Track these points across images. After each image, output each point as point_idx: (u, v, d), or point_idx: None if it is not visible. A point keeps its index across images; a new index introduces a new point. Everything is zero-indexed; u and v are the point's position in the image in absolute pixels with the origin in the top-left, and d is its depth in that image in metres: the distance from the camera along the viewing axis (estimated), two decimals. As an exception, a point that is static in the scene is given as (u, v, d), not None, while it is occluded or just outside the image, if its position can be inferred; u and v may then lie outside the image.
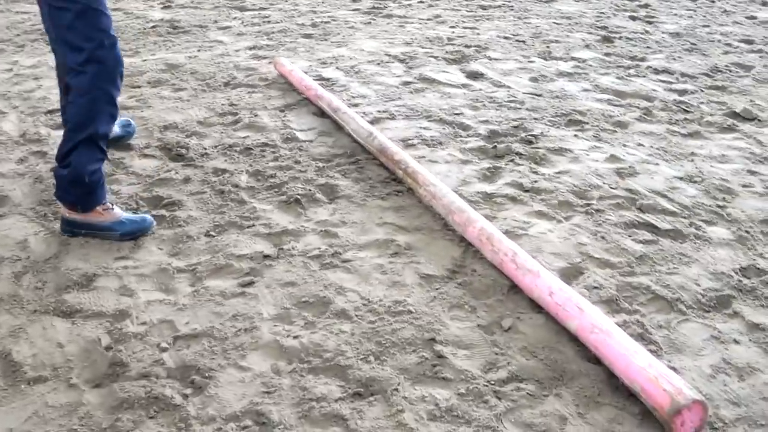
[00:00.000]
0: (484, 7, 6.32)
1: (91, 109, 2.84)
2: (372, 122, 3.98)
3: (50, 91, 4.40)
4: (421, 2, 6.47)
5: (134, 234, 2.98)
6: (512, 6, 6.36)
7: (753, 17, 6.17)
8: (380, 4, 6.40)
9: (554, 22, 5.94)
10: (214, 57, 5.06)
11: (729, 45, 5.48)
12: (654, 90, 4.63)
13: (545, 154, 3.78)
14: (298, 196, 3.32)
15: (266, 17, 6.01)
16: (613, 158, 3.73)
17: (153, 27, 5.65)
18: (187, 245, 2.96)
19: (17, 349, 2.36)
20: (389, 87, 4.65)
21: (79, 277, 2.73)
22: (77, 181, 2.90)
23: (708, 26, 5.90)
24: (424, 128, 4.06)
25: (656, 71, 4.96)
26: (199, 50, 5.20)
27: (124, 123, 3.81)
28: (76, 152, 2.87)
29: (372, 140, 3.70)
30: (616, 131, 4.06)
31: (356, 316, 2.56)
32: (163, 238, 3.00)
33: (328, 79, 4.71)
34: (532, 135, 3.97)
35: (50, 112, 4.06)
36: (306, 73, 4.70)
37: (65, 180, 2.91)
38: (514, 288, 2.70)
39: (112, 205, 3.02)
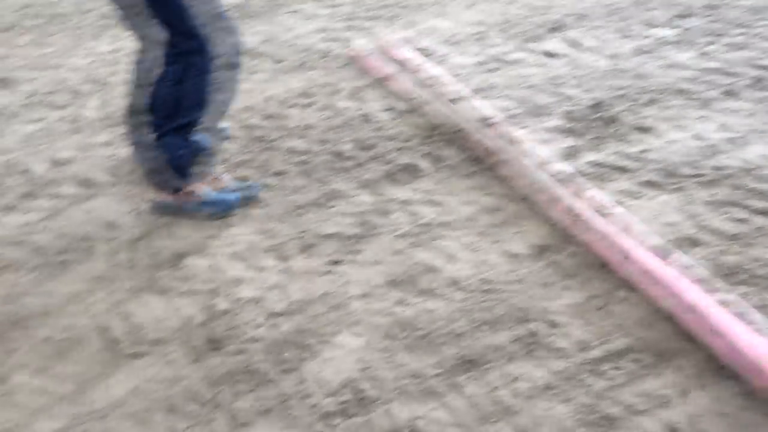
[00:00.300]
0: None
1: (194, 94, 2.87)
2: (459, 98, 3.95)
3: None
4: (490, -18, 6.40)
5: (221, 213, 3.01)
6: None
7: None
8: (450, -16, 6.35)
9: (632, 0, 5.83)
10: (288, 39, 5.07)
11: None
12: (729, 61, 4.52)
13: (627, 132, 3.72)
14: (381, 176, 3.32)
15: None
16: (702, 134, 3.65)
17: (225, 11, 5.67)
18: (272, 224, 2.98)
19: (116, 324, 2.41)
20: (464, 66, 4.61)
21: (171, 255, 2.77)
22: (167, 164, 2.93)
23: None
24: (506, 106, 4.02)
25: (737, 47, 4.84)
26: (272, 32, 5.22)
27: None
28: (170, 136, 2.90)
29: (453, 118, 3.68)
30: (706, 106, 3.97)
31: (447, 294, 2.55)
32: (250, 216, 3.03)
33: (421, 49, 4.67)
34: (614, 113, 3.91)
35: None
36: (382, 52, 4.69)
37: (153, 163, 2.94)
38: (605, 267, 2.66)
39: (200, 184, 3.05)
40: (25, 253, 2.81)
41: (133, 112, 3.23)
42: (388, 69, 4.33)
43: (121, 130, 3.70)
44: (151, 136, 2.93)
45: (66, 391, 2.13)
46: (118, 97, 4.16)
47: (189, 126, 2.91)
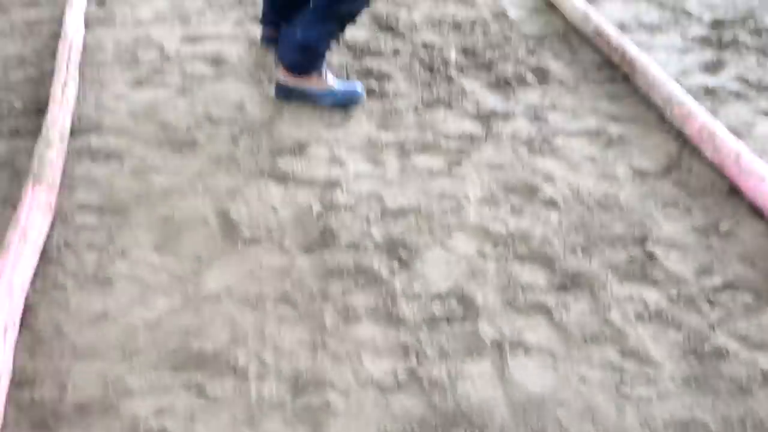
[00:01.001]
0: None
1: None
2: (587, 1, 3.80)
3: None
4: None
5: (345, 103, 3.00)
6: None
7: None
8: None
9: None
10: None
11: None
12: None
13: (775, 46, 3.50)
14: (508, 76, 3.24)
15: None
16: None
17: None
18: (395, 119, 2.96)
19: (235, 208, 2.46)
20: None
21: (293, 143, 2.79)
22: (305, 48, 2.93)
23: None
24: (643, 11, 3.83)
25: None
26: None
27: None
28: (319, 24, 2.89)
29: (587, 22, 3.54)
30: None
31: (565, 205, 2.50)
32: (372, 109, 3.01)
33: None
34: (762, 25, 3.68)
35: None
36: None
37: (293, 43, 2.94)
38: (735, 191, 2.55)
39: (326, 73, 3.04)
40: (153, 129, 2.88)
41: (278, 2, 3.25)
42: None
43: (255, 11, 3.71)
44: (303, 18, 2.92)
45: (182, 270, 2.20)
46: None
47: (344, 16, 2.92)
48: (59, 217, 2.40)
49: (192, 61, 3.36)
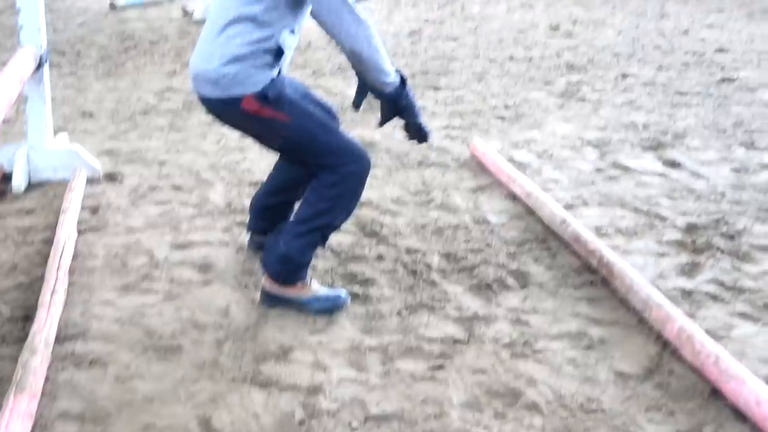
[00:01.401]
0: (681, 93, 6.16)
1: (336, 202, 2.98)
2: (565, 208, 3.94)
3: (255, 163, 4.61)
4: (615, 86, 6.38)
5: (330, 309, 3.05)
6: (711, 93, 6.17)
7: None
8: (574, 87, 6.37)
9: (757, 111, 5.71)
10: (408, 136, 5.17)
11: None
12: None
13: (749, 250, 3.61)
14: (490, 281, 3.31)
15: (460, 97, 6.11)
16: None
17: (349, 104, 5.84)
18: (379, 323, 3.00)
19: (217, 415, 2.45)
20: (582, 172, 4.60)
21: (276, 348, 2.81)
22: (288, 259, 3.02)
23: None
24: (619, 217, 3.97)
25: None
26: (393, 128, 5.33)
27: None
28: (302, 236, 3.01)
29: (565, 227, 3.65)
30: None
31: (548, 409, 2.50)
32: (356, 314, 3.06)
33: (520, 163, 4.71)
34: (734, 229, 3.81)
35: (255, 183, 4.24)
36: (499, 154, 4.72)
37: (276, 254, 3.03)
38: (716, 393, 2.56)
39: (310, 279, 3.11)
40: (139, 335, 2.91)
41: (267, 206, 3.39)
42: (505, 172, 4.35)
43: (243, 218, 3.83)
44: (286, 229, 3.05)
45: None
46: (244, 184, 4.31)
47: (325, 228, 3.05)
48: (39, 426, 2.38)
49: (180, 267, 3.43)
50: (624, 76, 6.71)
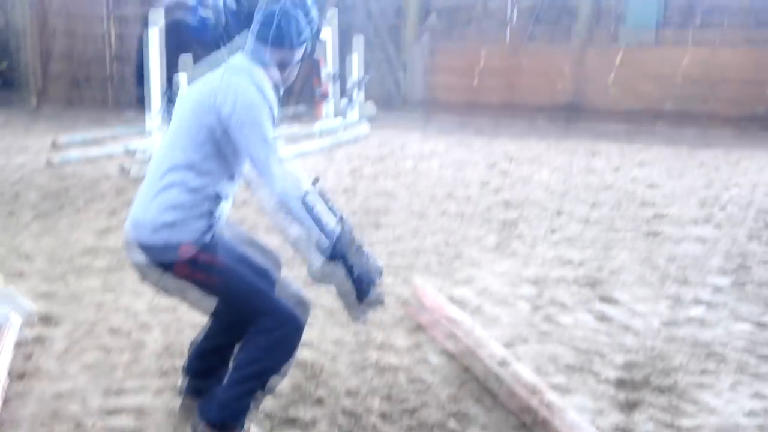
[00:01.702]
0: (615, 230, 6.33)
1: (274, 350, 3.00)
2: (505, 346, 3.96)
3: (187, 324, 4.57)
4: (551, 224, 6.54)
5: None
6: (643, 229, 6.35)
7: None
8: (511, 225, 6.50)
9: (688, 247, 5.88)
10: (349, 275, 5.20)
11: None
12: (799, 322, 4.47)
13: (687, 387, 3.65)
14: (431, 423, 3.29)
15: (400, 236, 6.19)
16: (760, 398, 3.57)
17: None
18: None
19: None
20: (521, 310, 4.65)
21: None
22: (225, 406, 2.99)
23: None
24: (558, 354, 4.01)
25: (799, 301, 4.80)
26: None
27: None
28: (241, 383, 2.99)
29: (506, 367, 3.67)
30: (761, 369, 3.90)
31: None
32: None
33: (460, 301, 4.75)
34: (671, 366, 3.86)
35: (194, 326, 4.19)
36: (439, 293, 4.76)
37: (214, 401, 3.00)
38: None
39: (249, 425, 3.06)
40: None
41: (206, 349, 3.36)
42: (445, 311, 4.38)
43: (181, 361, 3.77)
44: (226, 376, 3.03)
45: None
46: (183, 327, 4.27)
47: (263, 375, 3.04)
48: None
49: (115, 416, 3.35)
50: (559, 213, 6.88)
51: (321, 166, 9.77)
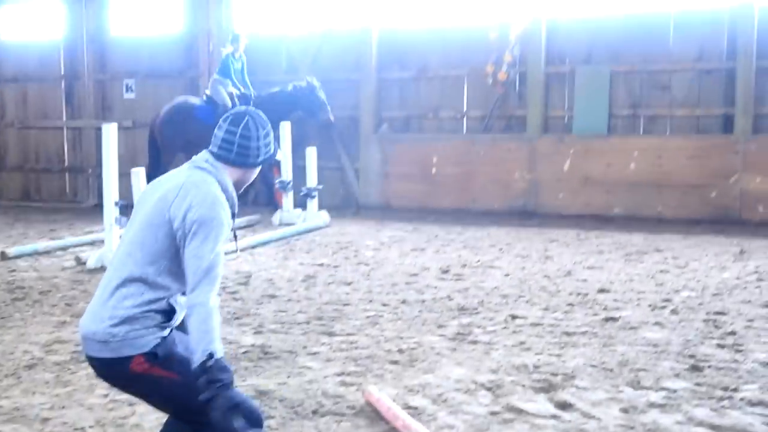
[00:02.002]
0: (568, 334, 6.36)
1: None
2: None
3: (145, 418, 4.47)
4: (505, 328, 6.56)
5: None
6: (596, 333, 6.39)
7: None
8: (465, 330, 6.51)
9: (641, 350, 5.92)
10: (302, 383, 5.14)
11: (826, 375, 5.34)
12: (751, 424, 4.49)
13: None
14: None
15: (354, 342, 6.15)
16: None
17: (244, 353, 5.83)
18: None
19: None
20: (477, 416, 4.62)
21: None
22: None
23: (800, 355, 5.80)
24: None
25: (751, 403, 4.83)
26: (288, 376, 5.30)
27: None
28: None
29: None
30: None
31: None
32: None
33: (415, 408, 4.71)
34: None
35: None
36: (393, 400, 4.72)
37: None
38: None
39: None
40: None
41: None
42: (400, 418, 4.33)
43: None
44: None
45: None
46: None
47: None
48: None
49: None
50: (513, 317, 6.91)
51: (280, 256, 9.77)
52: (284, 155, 12.59)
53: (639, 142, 12.92)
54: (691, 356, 5.77)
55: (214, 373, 2.86)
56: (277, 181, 12.84)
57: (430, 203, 13.84)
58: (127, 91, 16.24)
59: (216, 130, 3.27)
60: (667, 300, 7.48)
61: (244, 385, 5.06)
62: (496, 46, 13.43)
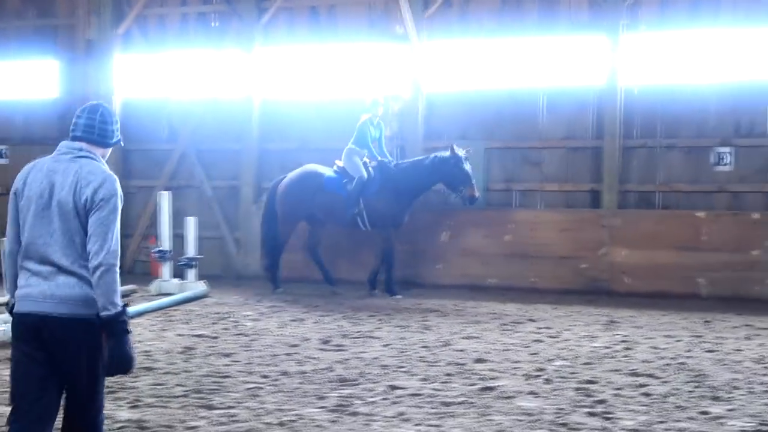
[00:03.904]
0: (446, 404, 6.48)
1: None
2: None
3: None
4: (385, 399, 6.62)
5: None
6: (473, 402, 6.53)
7: (706, 412, 6.37)
8: (346, 401, 6.54)
9: (516, 419, 6.08)
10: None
11: (687, 441, 5.61)
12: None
13: None
14: None
15: (233, 416, 6.09)
16: None
17: (120, 428, 5.69)
18: None
19: None
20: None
21: None
22: None
23: (664, 422, 6.07)
24: None
25: (621, 470, 5.02)
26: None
27: None
28: None
29: None
30: None
31: None
32: None
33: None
34: None
35: None
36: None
37: None
38: None
39: None
40: None
41: None
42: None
43: None
44: None
45: None
46: None
47: None
48: None
49: None
50: (393, 388, 6.98)
51: (157, 327, 9.57)
52: (162, 225, 12.43)
53: (513, 215, 13.38)
54: (563, 425, 5.96)
55: (126, 322, 3.75)
56: (154, 250, 12.64)
57: (310, 274, 13.87)
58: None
59: (75, 119, 4.02)
60: (541, 369, 7.71)
61: (120, 462, 4.94)
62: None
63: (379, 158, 12.64)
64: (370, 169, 12.44)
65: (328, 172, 12.79)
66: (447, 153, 12.16)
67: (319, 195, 12.55)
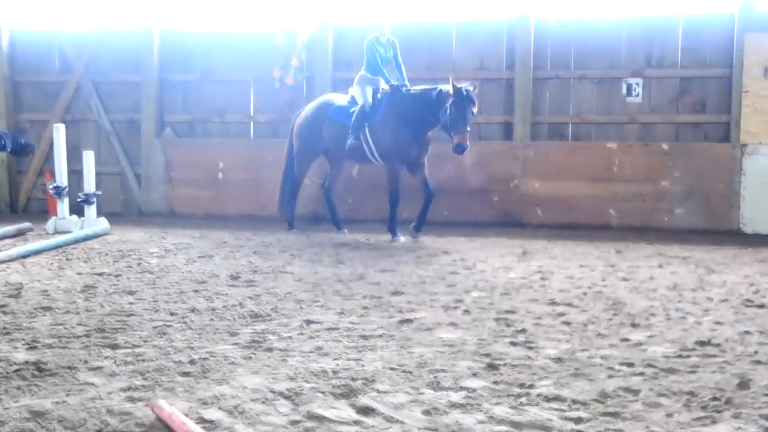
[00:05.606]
0: (365, 337, 6.24)
1: None
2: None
3: None
4: (301, 334, 6.35)
5: None
6: (393, 335, 6.32)
7: (626, 339, 6.31)
8: (259, 337, 6.24)
9: (438, 351, 5.89)
10: (84, 401, 4.69)
11: (611, 368, 5.51)
12: (549, 419, 4.52)
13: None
14: None
15: (140, 355, 5.73)
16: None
17: (16, 371, 5.27)
18: None
19: None
20: (277, 427, 4.37)
21: None
22: None
23: (587, 350, 5.97)
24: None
25: (547, 398, 4.88)
26: (68, 394, 4.83)
27: None
28: None
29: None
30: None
31: None
32: None
33: (210, 422, 4.40)
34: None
35: None
36: (186, 415, 4.39)
37: None
38: None
39: None
40: None
41: None
42: (195, 434, 4.03)
43: None
44: None
45: None
46: None
47: None
48: None
49: None
50: (309, 322, 6.72)
51: (55, 266, 9.06)
52: (58, 160, 11.79)
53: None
54: (487, 355, 5.80)
55: None
56: (50, 186, 11.99)
57: (217, 210, 13.44)
58: None
59: None
60: (459, 300, 7.56)
61: (16, 407, 4.55)
62: (283, 51, 13.28)
63: (393, 82, 11.33)
64: (378, 95, 11.31)
65: (339, 100, 11.82)
66: (449, 87, 10.82)
67: (327, 126, 11.69)
